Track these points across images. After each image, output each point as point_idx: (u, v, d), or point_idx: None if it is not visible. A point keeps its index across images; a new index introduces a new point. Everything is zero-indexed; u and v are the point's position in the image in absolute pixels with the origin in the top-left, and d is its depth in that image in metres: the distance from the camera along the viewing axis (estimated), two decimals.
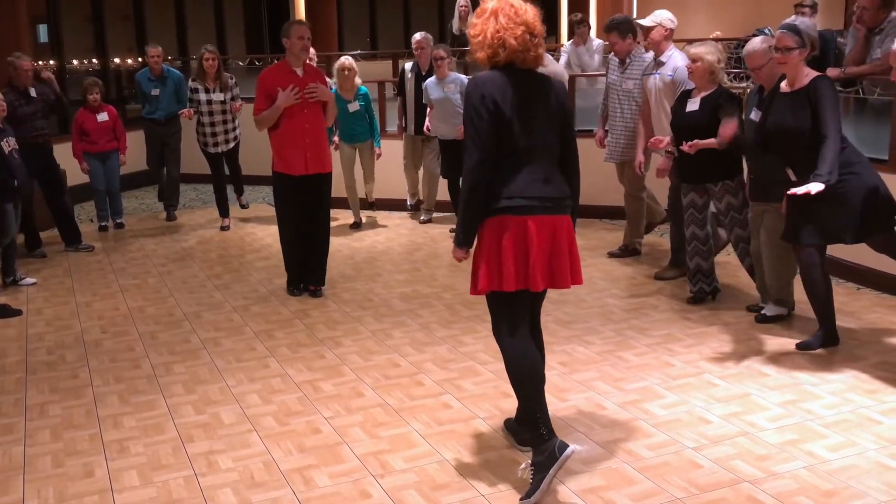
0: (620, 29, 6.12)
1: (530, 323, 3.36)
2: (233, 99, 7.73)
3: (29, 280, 6.28)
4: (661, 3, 12.51)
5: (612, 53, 6.38)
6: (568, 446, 3.09)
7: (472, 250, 3.25)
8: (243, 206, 8.46)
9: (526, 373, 3.18)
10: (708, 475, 3.28)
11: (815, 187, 4.02)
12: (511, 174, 3.13)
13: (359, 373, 4.43)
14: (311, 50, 6.05)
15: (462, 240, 3.21)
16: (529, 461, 3.15)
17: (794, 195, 4.08)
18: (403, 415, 3.90)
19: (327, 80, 6.28)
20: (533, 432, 3.14)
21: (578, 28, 8.49)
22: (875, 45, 5.67)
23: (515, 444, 3.55)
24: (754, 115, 4.74)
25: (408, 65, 7.93)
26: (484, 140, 3.07)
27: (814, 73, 4.24)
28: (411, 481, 3.31)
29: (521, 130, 3.11)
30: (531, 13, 3.13)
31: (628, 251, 6.54)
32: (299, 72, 5.50)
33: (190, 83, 7.74)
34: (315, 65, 6.62)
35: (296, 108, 5.45)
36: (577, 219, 3.33)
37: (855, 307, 5.20)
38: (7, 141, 5.99)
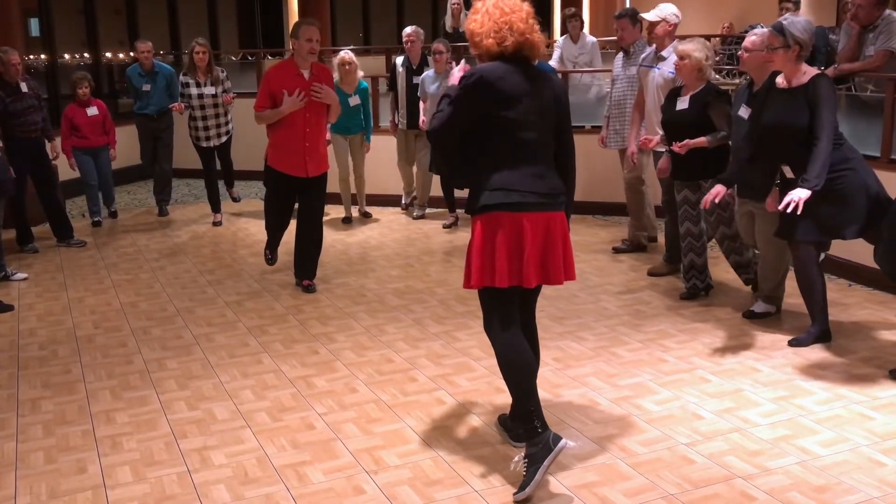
0: (631, 17, 6.21)
1: (525, 318, 3.38)
2: (225, 92, 7.70)
3: (20, 275, 6.25)
4: None
5: (619, 48, 6.40)
6: (561, 439, 3.11)
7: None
8: (235, 200, 8.44)
9: (517, 366, 3.19)
10: (701, 471, 3.29)
11: (802, 194, 4.02)
12: (506, 168, 3.14)
13: (352, 369, 4.42)
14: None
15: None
16: (523, 454, 3.16)
17: (785, 206, 4.06)
18: (397, 411, 3.90)
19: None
20: (526, 425, 3.15)
21: (570, 22, 8.48)
22: (868, 42, 5.68)
23: (510, 440, 3.55)
24: (743, 112, 4.75)
25: (398, 59, 7.91)
26: (456, 116, 3.12)
27: (813, 72, 4.23)
28: (405, 477, 3.31)
29: (518, 126, 3.12)
30: (526, 3, 3.22)
31: (634, 245, 6.53)
32: (306, 74, 5.41)
33: (181, 77, 7.70)
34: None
35: (298, 112, 5.39)
36: (571, 215, 3.34)
37: (847, 303, 5.22)
38: None
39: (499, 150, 3.15)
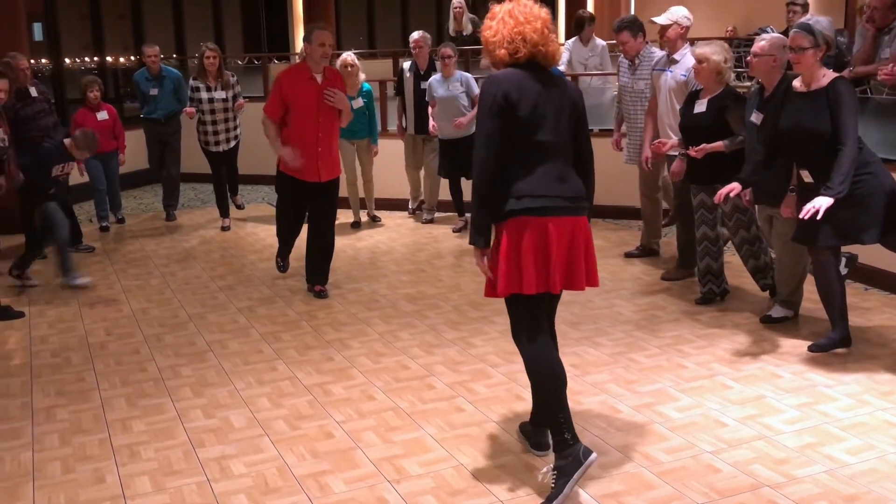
0: (632, 28, 6.09)
1: (548, 324, 3.33)
2: (235, 97, 7.67)
3: (84, 280, 6.13)
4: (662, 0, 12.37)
5: (622, 55, 6.34)
6: (592, 452, 3.07)
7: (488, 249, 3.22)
8: (239, 207, 8.39)
9: (548, 377, 3.16)
10: (727, 479, 3.25)
11: (824, 202, 3.98)
12: (527, 172, 3.11)
13: (368, 375, 4.39)
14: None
15: (476, 239, 3.13)
16: (551, 465, 3.12)
17: (806, 213, 4.03)
18: (416, 418, 3.86)
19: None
20: (556, 437, 3.11)
21: (589, 25, 8.38)
22: (884, 44, 5.64)
23: (531, 448, 3.51)
24: (755, 118, 4.71)
25: (406, 64, 7.88)
26: (489, 140, 3.07)
27: (833, 75, 4.20)
28: (428, 487, 3.27)
29: (537, 128, 3.10)
30: (545, 11, 3.18)
31: (646, 251, 6.50)
32: (318, 78, 5.39)
33: (191, 82, 7.67)
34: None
35: (310, 116, 5.38)
36: (590, 219, 3.32)
37: (864, 308, 5.18)
38: (63, 166, 6.10)
39: (519, 156, 3.12)
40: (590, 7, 15.58)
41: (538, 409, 3.42)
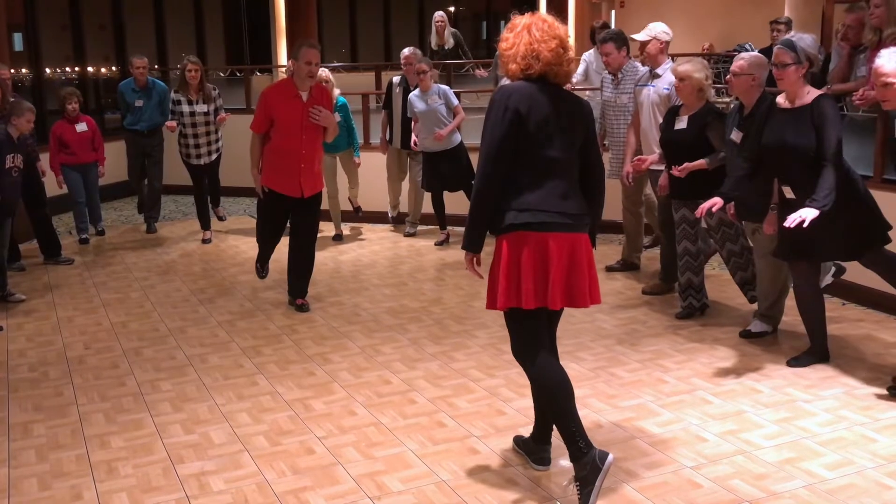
0: (616, 41, 6.13)
1: (549, 341, 3.35)
2: (217, 111, 7.64)
3: (20, 296, 6.13)
4: (640, 13, 12.54)
5: (605, 69, 6.39)
6: (608, 454, 3.09)
7: (476, 258, 3.27)
8: (220, 219, 8.35)
9: (555, 390, 3.17)
10: (708, 495, 3.26)
11: (809, 214, 4.01)
12: (531, 187, 3.13)
13: (350, 390, 4.37)
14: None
15: (467, 245, 3.23)
16: (573, 477, 3.13)
17: (791, 222, 4.06)
18: (397, 434, 3.85)
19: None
20: (571, 447, 3.12)
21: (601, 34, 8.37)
22: (859, 63, 5.73)
23: (533, 463, 3.51)
24: (735, 136, 4.76)
25: (395, 78, 7.88)
26: (497, 151, 3.09)
27: (816, 92, 4.24)
28: (409, 503, 3.26)
29: (544, 144, 3.12)
30: (563, 29, 3.19)
31: (627, 265, 6.54)
32: (304, 95, 5.37)
33: (173, 95, 7.63)
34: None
35: (294, 132, 5.37)
36: (595, 237, 3.36)
37: (841, 323, 5.22)
38: (14, 157, 5.95)
39: (525, 169, 3.13)
40: (570, 22, 15.68)
41: (545, 425, 3.46)
